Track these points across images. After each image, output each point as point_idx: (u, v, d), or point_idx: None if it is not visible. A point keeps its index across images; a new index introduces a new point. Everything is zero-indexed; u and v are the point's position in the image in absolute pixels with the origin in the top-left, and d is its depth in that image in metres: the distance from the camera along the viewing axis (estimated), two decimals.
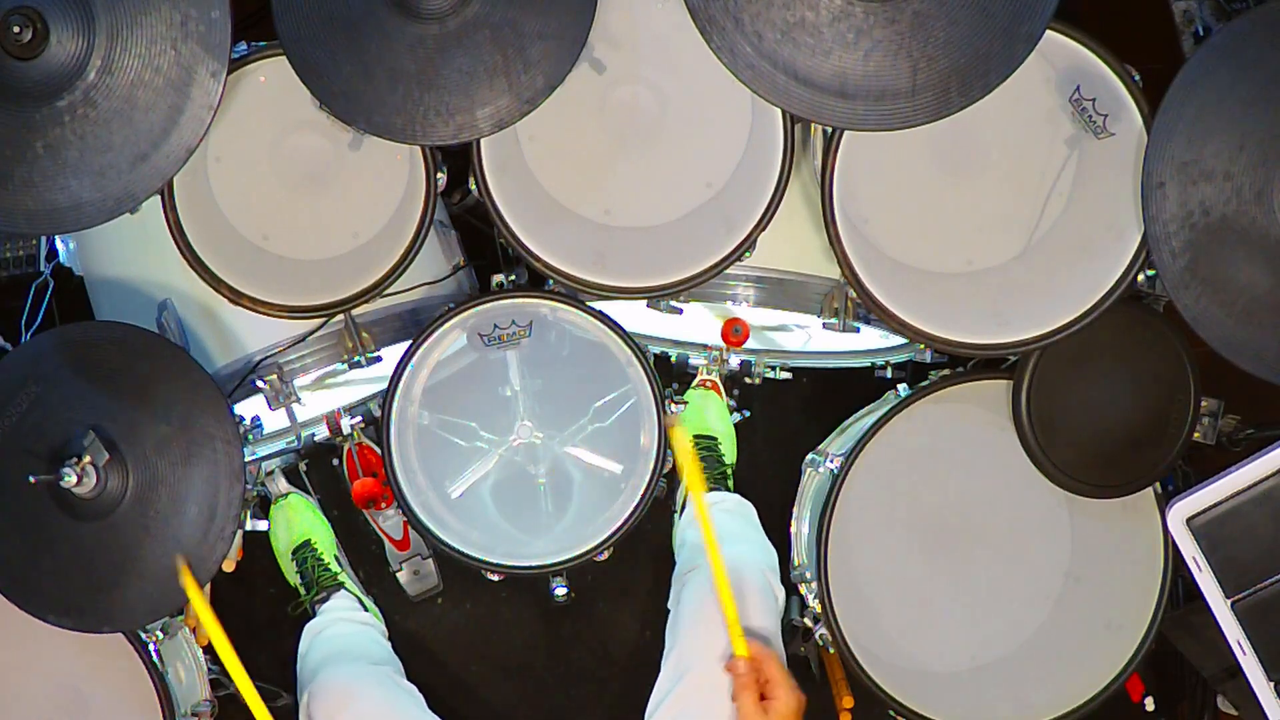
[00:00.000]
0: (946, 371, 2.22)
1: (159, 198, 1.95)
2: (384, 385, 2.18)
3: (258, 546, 2.44)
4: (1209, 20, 1.98)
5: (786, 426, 2.68)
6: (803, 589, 2.29)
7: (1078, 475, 2.13)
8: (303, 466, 2.56)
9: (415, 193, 2.06)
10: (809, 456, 2.42)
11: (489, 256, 2.26)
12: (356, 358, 2.15)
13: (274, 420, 2.25)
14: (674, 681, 1.93)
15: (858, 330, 2.19)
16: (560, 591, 2.31)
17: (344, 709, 2.07)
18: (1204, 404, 2.13)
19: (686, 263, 2.09)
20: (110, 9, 1.77)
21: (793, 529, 2.41)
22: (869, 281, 2.04)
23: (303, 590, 2.41)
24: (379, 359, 2.17)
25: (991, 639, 2.24)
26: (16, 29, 1.73)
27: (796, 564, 2.36)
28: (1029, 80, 1.96)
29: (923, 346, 2.15)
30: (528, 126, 2.00)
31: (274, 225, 2.10)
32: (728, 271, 2.09)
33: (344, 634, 2.33)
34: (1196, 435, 2.14)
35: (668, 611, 2.11)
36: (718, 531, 2.22)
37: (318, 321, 2.13)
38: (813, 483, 2.40)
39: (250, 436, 2.11)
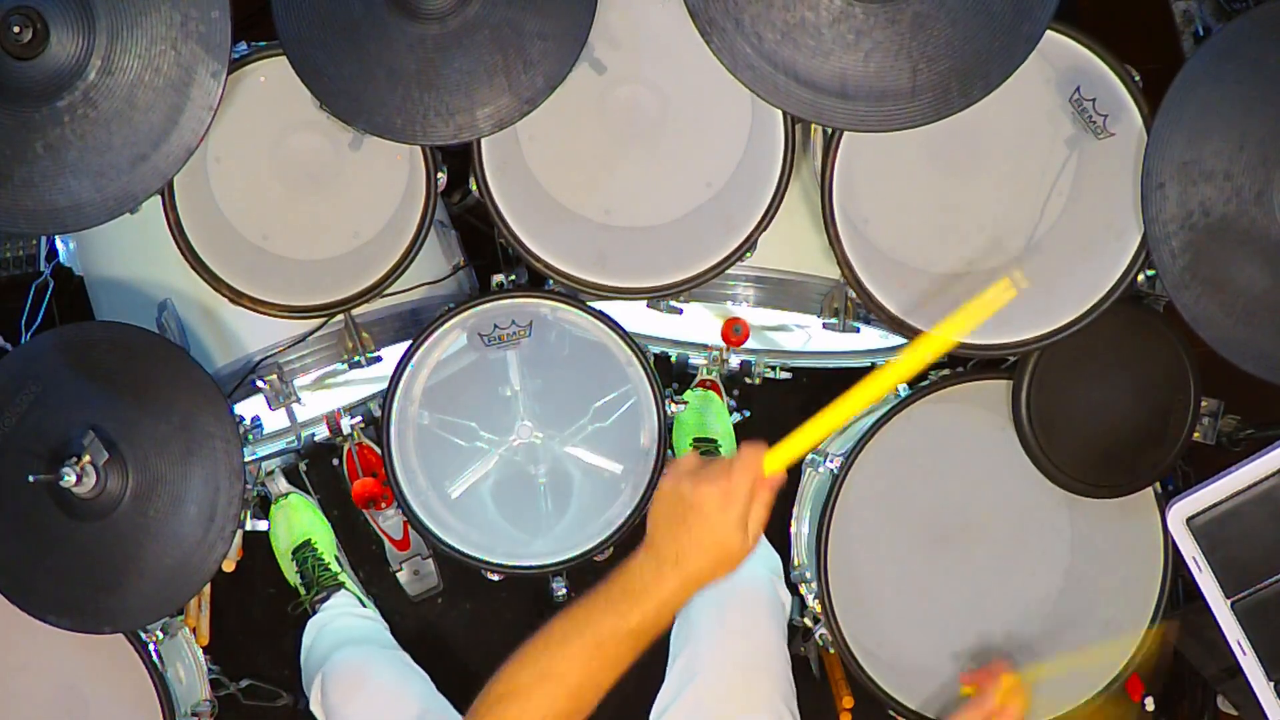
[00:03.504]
0: (946, 371, 2.21)
1: (159, 198, 1.95)
2: (384, 385, 2.17)
3: (258, 546, 2.44)
4: (1209, 20, 1.98)
5: (786, 426, 2.66)
6: (803, 589, 2.29)
7: (1078, 475, 2.13)
8: (303, 466, 2.56)
9: (415, 193, 2.06)
10: (809, 456, 2.41)
11: (489, 256, 2.26)
12: (356, 358, 2.15)
13: (274, 420, 2.25)
14: (683, 685, 1.92)
15: (858, 330, 2.19)
16: (560, 591, 2.31)
17: (359, 689, 2.07)
18: (1204, 404, 2.13)
19: (687, 263, 2.09)
20: (110, 9, 1.77)
21: (793, 529, 2.41)
22: (869, 281, 2.04)
23: (303, 590, 2.41)
24: (379, 359, 2.17)
25: (991, 639, 2.23)
26: (16, 29, 1.72)
27: (796, 564, 2.36)
28: (1029, 80, 1.96)
29: None
30: (528, 126, 2.00)
31: (274, 225, 2.10)
32: (728, 271, 2.09)
33: (351, 624, 2.33)
34: (1196, 435, 2.14)
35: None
36: None
37: (318, 321, 2.13)
38: (813, 483, 2.40)
39: (250, 436, 2.11)
